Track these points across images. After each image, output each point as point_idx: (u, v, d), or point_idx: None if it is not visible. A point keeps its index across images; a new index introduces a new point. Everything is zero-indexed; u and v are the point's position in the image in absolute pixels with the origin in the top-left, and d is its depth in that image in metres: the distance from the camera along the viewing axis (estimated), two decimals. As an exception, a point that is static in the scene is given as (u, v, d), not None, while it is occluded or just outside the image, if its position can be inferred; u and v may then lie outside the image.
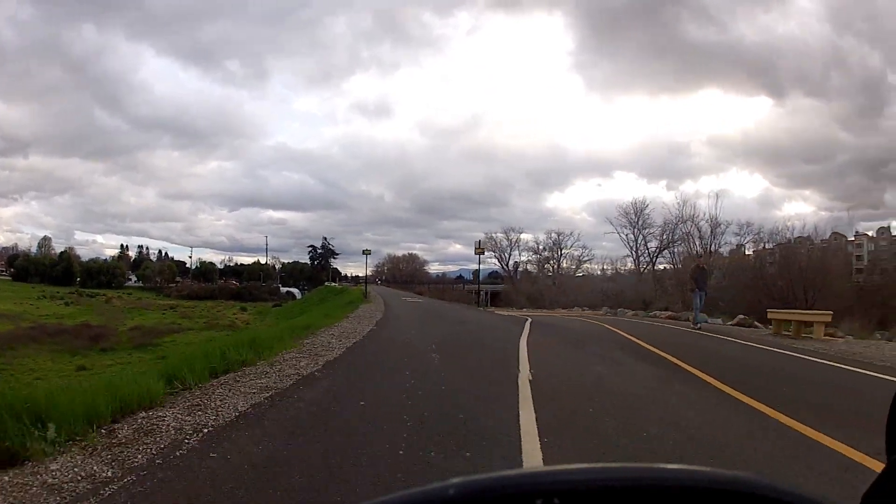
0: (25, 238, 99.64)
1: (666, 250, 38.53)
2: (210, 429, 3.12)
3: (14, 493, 2.18)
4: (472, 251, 40.87)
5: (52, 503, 2.14)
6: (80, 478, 2.36)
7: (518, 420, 3.40)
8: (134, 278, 68.47)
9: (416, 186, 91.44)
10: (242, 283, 67.76)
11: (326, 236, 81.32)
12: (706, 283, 11.94)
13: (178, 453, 2.70)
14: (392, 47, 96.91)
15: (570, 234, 45.53)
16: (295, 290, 64.71)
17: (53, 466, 2.44)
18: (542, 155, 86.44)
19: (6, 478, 2.31)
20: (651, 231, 39.11)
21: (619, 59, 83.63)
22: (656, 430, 3.32)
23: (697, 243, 35.53)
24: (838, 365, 6.36)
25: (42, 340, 23.86)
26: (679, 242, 37.20)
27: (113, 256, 72.77)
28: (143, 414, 3.31)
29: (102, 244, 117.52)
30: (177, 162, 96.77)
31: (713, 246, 35.34)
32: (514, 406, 3.76)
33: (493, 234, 48.42)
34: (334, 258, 73.75)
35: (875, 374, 5.74)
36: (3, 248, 72.97)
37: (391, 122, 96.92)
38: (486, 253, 45.84)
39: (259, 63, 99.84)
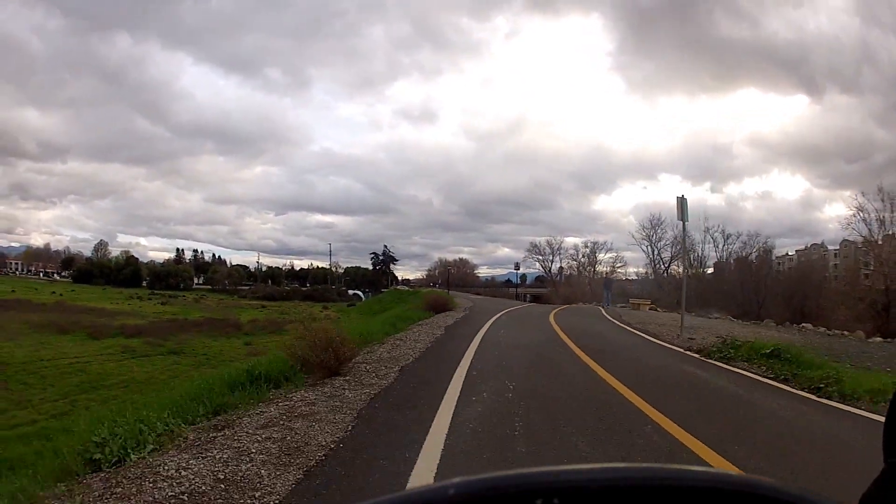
0: (65, 240, 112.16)
1: (678, 259, 54.19)
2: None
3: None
4: (520, 255, 57.97)
5: (443, 326, 20.24)
6: (426, 331, 20.52)
7: (502, 312, 21.32)
8: (197, 281, 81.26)
9: (463, 191, 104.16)
10: (310, 286, 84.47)
11: (378, 241, 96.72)
12: (611, 286, 29.17)
13: (459, 317, 20.94)
14: (432, 53, 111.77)
15: (605, 243, 63.27)
16: (360, 293, 79.14)
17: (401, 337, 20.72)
18: (587, 157, 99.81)
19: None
20: (664, 243, 54.42)
21: (657, 58, 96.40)
22: (524, 317, 21.25)
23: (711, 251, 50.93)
24: (609, 318, 23.66)
25: (188, 329, 32.99)
26: (686, 254, 53.07)
27: (168, 259, 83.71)
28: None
29: (146, 246, 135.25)
30: (221, 167, 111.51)
31: (719, 253, 50.69)
32: (502, 310, 21.70)
33: (537, 241, 65.71)
34: (394, 263, 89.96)
35: (614, 321, 23.00)
36: (55, 251, 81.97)
37: (436, 127, 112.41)
38: (530, 259, 63.59)
39: (300, 71, 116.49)
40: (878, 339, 17.29)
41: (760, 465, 3.64)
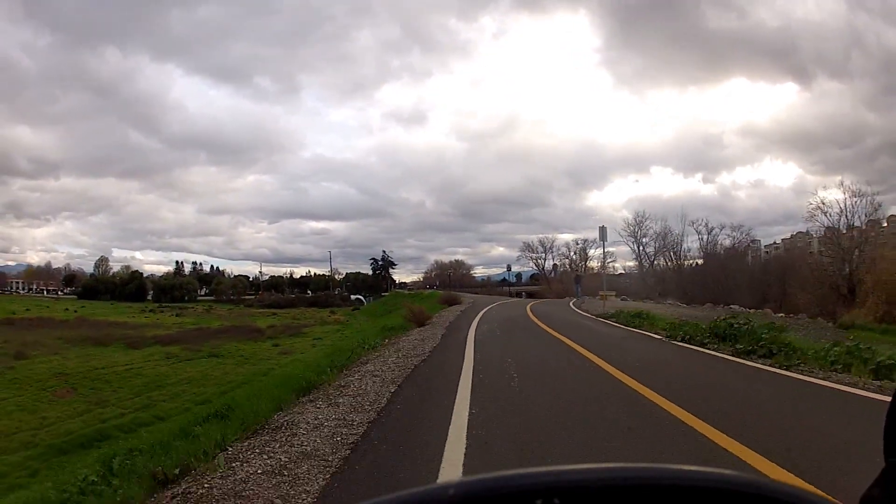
0: (61, 257, 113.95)
1: (664, 253, 58.72)
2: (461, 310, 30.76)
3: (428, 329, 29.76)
4: (514, 254, 64.46)
5: (458, 311, 29.50)
6: (448, 314, 29.84)
7: (495, 304, 30.64)
8: (200, 292, 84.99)
9: (456, 191, 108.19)
10: (312, 293, 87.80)
11: (372, 245, 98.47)
12: (581, 282, 38.56)
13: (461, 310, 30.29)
14: (421, 55, 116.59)
15: (595, 239, 65.33)
16: (361, 298, 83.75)
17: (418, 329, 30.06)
18: (578, 153, 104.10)
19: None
20: (649, 239, 59.01)
21: (645, 52, 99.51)
22: (509, 305, 30.63)
23: (696, 245, 56.84)
24: (573, 307, 33.04)
25: (214, 336, 35.50)
26: (669, 248, 60.70)
27: (167, 272, 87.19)
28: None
29: (141, 260, 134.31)
30: (214, 177, 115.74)
31: (703, 246, 57.02)
32: (494, 302, 31.05)
33: (530, 241, 71.97)
34: (393, 268, 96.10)
35: (572, 307, 32.35)
36: (55, 268, 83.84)
37: (427, 129, 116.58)
38: (524, 258, 70.27)
39: (289, 78, 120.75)
40: (782, 315, 24.29)
41: (579, 337, 12.70)
